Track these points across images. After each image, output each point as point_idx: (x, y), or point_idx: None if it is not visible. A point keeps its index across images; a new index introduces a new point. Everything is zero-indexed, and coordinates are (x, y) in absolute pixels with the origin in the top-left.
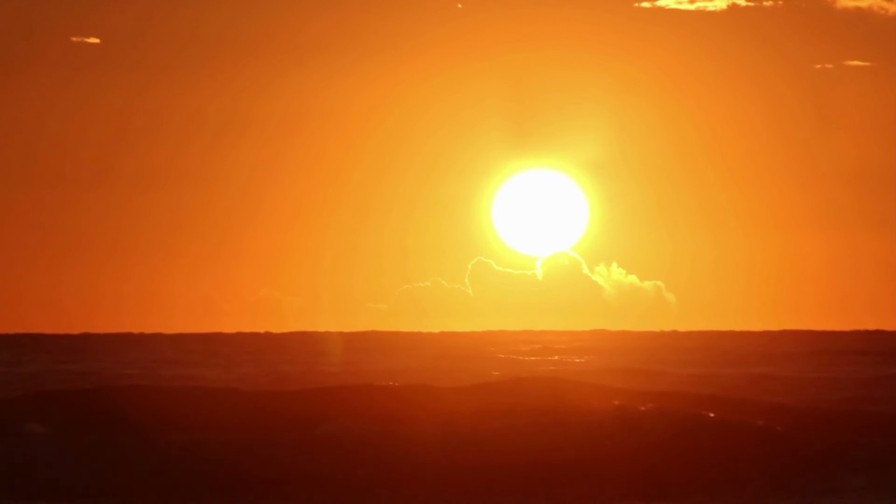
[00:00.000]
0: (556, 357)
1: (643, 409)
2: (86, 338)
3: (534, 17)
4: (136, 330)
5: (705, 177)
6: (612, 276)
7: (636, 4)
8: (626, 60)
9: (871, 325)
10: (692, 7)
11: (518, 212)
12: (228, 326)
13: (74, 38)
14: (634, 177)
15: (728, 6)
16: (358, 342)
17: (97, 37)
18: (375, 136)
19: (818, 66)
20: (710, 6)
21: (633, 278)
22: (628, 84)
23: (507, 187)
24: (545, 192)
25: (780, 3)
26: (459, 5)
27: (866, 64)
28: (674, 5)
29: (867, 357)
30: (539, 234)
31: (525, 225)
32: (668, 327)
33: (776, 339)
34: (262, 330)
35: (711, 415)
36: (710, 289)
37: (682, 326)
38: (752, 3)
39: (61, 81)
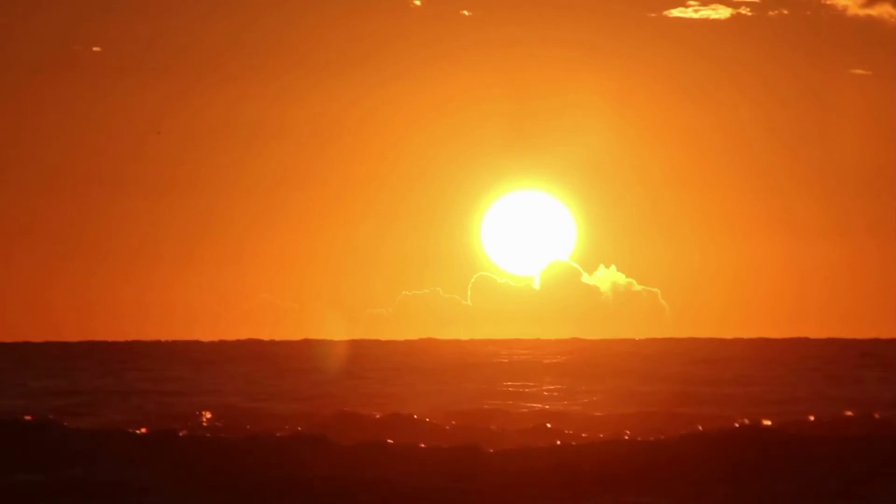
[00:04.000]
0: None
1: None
2: (83, 346)
3: (540, 27)
4: (133, 338)
5: (708, 185)
6: (610, 279)
7: (649, 15)
8: (633, 70)
9: (871, 334)
10: (696, 16)
11: (508, 234)
12: (228, 334)
13: (76, 47)
14: (636, 185)
15: (731, 15)
16: (355, 350)
17: (99, 45)
18: (377, 145)
19: (821, 75)
20: (714, 15)
21: (632, 281)
22: (633, 92)
23: (499, 205)
24: (537, 210)
25: (784, 12)
26: (466, 12)
27: (869, 73)
28: (677, 14)
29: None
30: (531, 252)
31: (516, 246)
32: (662, 334)
33: (777, 347)
34: (262, 337)
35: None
36: (707, 296)
37: (678, 333)
38: (755, 13)
39: (63, 90)
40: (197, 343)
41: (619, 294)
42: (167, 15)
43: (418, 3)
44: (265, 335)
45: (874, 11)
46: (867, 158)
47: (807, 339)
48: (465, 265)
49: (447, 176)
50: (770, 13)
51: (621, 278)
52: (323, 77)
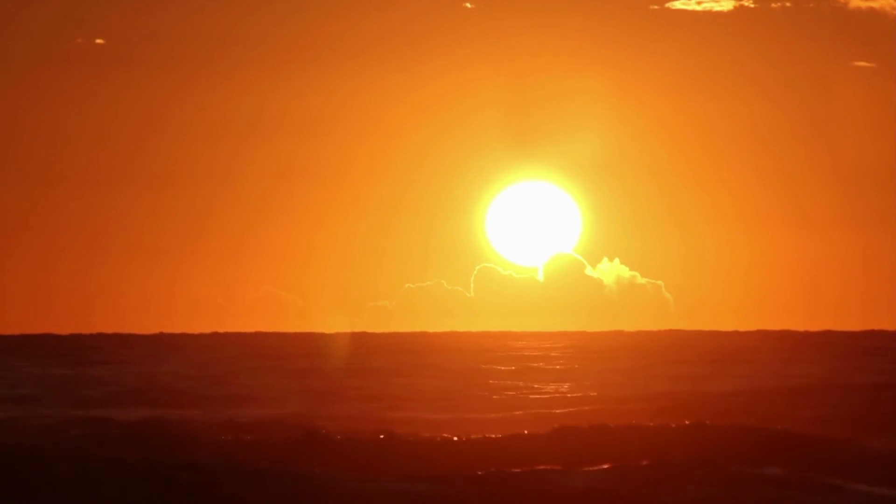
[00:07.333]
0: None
1: None
2: (85, 338)
3: (543, 19)
4: (134, 331)
5: (712, 177)
6: (614, 272)
7: (652, 6)
8: (636, 61)
9: (873, 325)
10: (699, 8)
11: (512, 224)
12: (230, 326)
13: (79, 39)
14: (640, 178)
15: (734, 7)
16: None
17: (102, 38)
18: (380, 136)
19: (825, 67)
20: (717, 7)
21: (635, 274)
22: (636, 83)
23: (504, 195)
24: (542, 200)
25: (787, 4)
26: (468, 4)
27: (873, 65)
28: (680, 6)
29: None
30: (535, 244)
31: (520, 237)
32: (666, 326)
33: (781, 339)
34: (264, 329)
35: None
36: (710, 288)
37: (682, 326)
38: (758, 4)
39: (66, 82)
40: (193, 336)
41: (622, 287)
42: (170, 7)
43: None
44: (268, 328)
45: (876, 4)
46: (871, 150)
47: (803, 332)
48: (469, 257)
49: (450, 167)
50: (773, 5)
51: (625, 271)
52: (325, 68)
